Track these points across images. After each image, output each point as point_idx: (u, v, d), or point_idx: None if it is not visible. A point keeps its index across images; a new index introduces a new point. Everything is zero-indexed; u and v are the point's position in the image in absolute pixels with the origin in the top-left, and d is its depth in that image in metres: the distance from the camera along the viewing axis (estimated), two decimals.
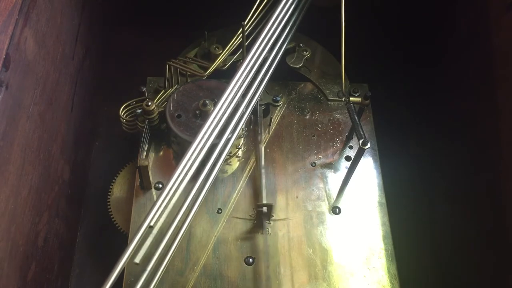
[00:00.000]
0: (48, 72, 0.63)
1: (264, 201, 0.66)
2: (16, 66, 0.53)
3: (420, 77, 0.90)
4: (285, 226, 0.67)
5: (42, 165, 0.63)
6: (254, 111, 0.74)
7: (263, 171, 0.69)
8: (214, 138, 0.60)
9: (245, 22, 0.68)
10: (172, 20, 0.98)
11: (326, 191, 0.70)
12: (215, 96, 0.68)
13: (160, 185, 0.69)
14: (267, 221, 0.67)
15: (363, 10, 0.87)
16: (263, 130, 0.74)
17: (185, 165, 0.57)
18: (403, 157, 0.86)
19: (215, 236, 0.66)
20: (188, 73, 0.74)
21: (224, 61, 0.75)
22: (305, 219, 0.68)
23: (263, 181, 0.68)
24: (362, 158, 0.67)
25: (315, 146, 0.74)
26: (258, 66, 0.66)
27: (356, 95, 0.76)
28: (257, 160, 0.71)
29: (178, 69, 0.74)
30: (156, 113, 0.69)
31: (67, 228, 0.76)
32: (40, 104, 0.61)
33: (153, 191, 0.69)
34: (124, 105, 0.71)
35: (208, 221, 0.67)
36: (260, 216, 0.66)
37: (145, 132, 0.69)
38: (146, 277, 0.52)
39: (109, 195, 0.75)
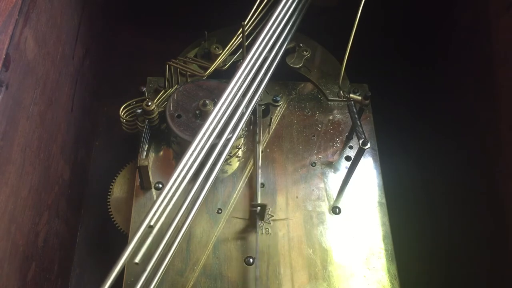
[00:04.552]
0: (48, 72, 0.63)
1: (258, 201, 0.66)
2: (16, 66, 0.53)
3: (420, 77, 0.90)
4: (285, 226, 0.67)
5: (42, 165, 0.63)
6: (254, 111, 0.74)
7: (259, 171, 0.69)
8: (214, 138, 0.60)
9: (245, 22, 0.68)
10: (172, 20, 0.98)
11: (326, 191, 0.70)
12: (215, 96, 0.69)
13: (160, 185, 0.69)
14: (264, 221, 0.67)
15: (363, 10, 0.87)
16: (261, 130, 0.74)
17: (185, 165, 0.56)
18: (403, 157, 0.86)
19: (215, 236, 0.66)
20: (188, 73, 0.74)
21: (224, 61, 0.75)
22: (305, 219, 0.68)
23: (259, 181, 0.68)
24: (362, 158, 0.67)
25: (315, 146, 0.74)
26: (258, 66, 0.66)
27: (356, 94, 0.76)
28: (255, 160, 0.71)
29: (178, 69, 0.74)
30: (156, 113, 0.69)
31: (67, 228, 0.76)
32: (40, 104, 0.61)
33: (153, 191, 0.69)
34: (124, 105, 0.71)
35: (208, 221, 0.67)
36: (254, 216, 0.66)
37: (145, 132, 0.69)
38: (146, 277, 0.53)
39: (109, 195, 0.75)
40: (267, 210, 0.67)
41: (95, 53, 0.86)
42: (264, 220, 0.67)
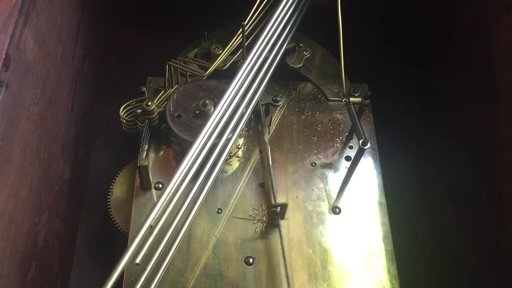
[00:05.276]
0: (48, 72, 0.63)
1: (276, 201, 0.66)
2: (16, 66, 0.53)
3: (420, 77, 0.90)
4: (285, 226, 0.67)
5: (42, 165, 0.63)
6: (256, 112, 0.74)
7: (272, 170, 0.69)
8: (215, 138, 0.60)
9: (245, 22, 0.68)
10: (172, 20, 0.98)
11: (326, 191, 0.70)
12: (215, 96, 0.69)
13: (160, 185, 0.69)
14: (263, 221, 0.67)
15: (363, 10, 0.87)
16: (266, 130, 0.74)
17: (186, 165, 0.57)
18: (403, 157, 0.86)
19: (215, 236, 0.66)
20: (188, 73, 0.74)
21: (224, 61, 0.75)
22: (305, 219, 0.68)
23: (274, 180, 0.68)
24: (362, 158, 0.67)
25: (315, 146, 0.74)
26: (258, 66, 0.66)
27: (356, 95, 0.76)
28: (264, 160, 0.71)
29: (178, 69, 0.74)
30: (156, 113, 0.69)
31: (67, 228, 0.76)
32: (40, 104, 0.61)
33: (153, 191, 0.69)
34: (124, 105, 0.71)
35: (208, 221, 0.67)
36: (274, 216, 0.66)
37: (145, 132, 0.69)
38: (146, 277, 0.53)
39: (109, 195, 0.75)
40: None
41: (95, 53, 0.86)
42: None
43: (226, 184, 0.70)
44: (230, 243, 0.66)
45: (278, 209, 0.65)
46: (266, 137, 0.72)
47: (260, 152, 0.73)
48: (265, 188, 0.70)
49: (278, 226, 0.66)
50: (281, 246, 0.65)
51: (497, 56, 0.66)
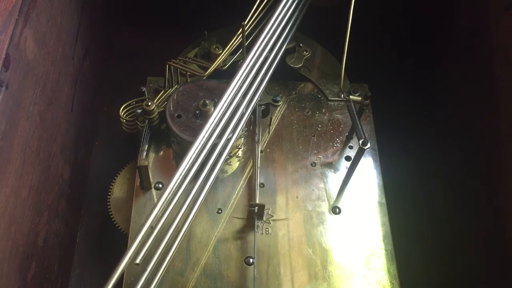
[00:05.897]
0: (48, 72, 0.63)
1: (257, 201, 0.66)
2: (16, 66, 0.53)
3: (420, 77, 0.90)
4: (285, 226, 0.67)
5: (42, 165, 0.63)
6: (253, 111, 0.74)
7: (258, 171, 0.69)
8: (215, 138, 0.60)
9: (245, 22, 0.68)
10: (172, 20, 0.98)
11: (326, 191, 0.70)
12: (215, 96, 0.69)
13: (160, 185, 0.69)
14: (264, 221, 0.67)
15: (363, 10, 0.87)
16: (261, 130, 0.74)
17: (186, 165, 0.57)
18: (403, 157, 0.86)
19: (215, 236, 0.66)
20: (188, 73, 0.74)
21: (224, 61, 0.75)
22: (305, 219, 0.68)
23: (258, 180, 0.68)
24: (362, 158, 0.67)
25: (315, 146, 0.74)
26: (258, 66, 0.66)
27: (356, 95, 0.76)
28: (254, 160, 0.71)
29: (178, 69, 0.74)
30: (156, 113, 0.69)
31: (67, 228, 0.76)
32: (40, 104, 0.61)
33: (153, 191, 0.69)
34: (124, 105, 0.71)
35: (208, 221, 0.67)
36: (252, 216, 0.66)
37: (145, 132, 0.69)
38: (146, 277, 0.53)
39: (109, 195, 0.75)
40: (266, 210, 0.67)
41: (95, 53, 0.86)
42: (264, 220, 0.67)
43: (226, 184, 0.70)
44: (230, 243, 0.66)
45: (256, 209, 0.65)
46: (258, 137, 0.72)
47: (261, 152, 0.73)
48: (265, 188, 0.70)
49: (254, 226, 0.66)
50: (281, 246, 0.65)
51: (497, 55, 0.66)
